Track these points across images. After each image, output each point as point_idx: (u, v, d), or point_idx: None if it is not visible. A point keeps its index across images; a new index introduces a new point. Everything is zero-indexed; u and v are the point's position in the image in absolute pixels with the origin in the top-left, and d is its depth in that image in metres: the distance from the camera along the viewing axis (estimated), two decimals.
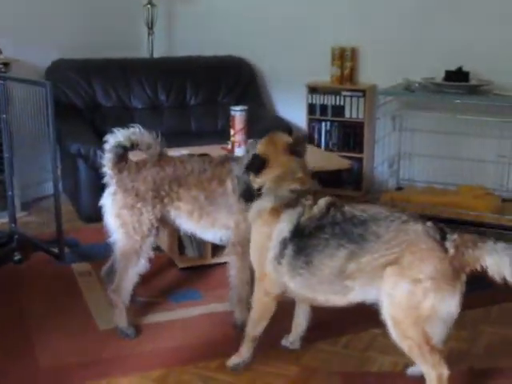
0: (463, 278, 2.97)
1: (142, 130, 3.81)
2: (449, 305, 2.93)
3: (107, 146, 3.80)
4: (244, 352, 3.49)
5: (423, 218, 3.10)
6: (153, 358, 3.63)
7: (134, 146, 3.81)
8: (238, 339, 3.70)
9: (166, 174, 3.86)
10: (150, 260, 3.92)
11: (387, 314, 3.02)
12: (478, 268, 2.94)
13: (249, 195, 3.41)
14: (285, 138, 3.46)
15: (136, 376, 3.46)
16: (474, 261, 2.94)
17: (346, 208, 3.16)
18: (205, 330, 3.90)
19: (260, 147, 3.39)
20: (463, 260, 2.94)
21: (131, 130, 3.78)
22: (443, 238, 2.98)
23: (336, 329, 3.87)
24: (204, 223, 3.93)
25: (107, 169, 3.85)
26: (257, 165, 3.31)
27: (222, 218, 3.88)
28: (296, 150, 3.40)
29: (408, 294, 2.94)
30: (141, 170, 3.85)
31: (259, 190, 3.32)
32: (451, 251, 2.94)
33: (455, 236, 2.99)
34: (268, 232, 3.24)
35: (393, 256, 2.97)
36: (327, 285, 3.14)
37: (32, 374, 3.47)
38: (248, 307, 3.84)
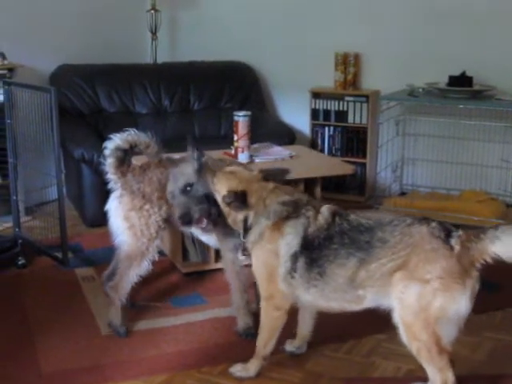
0: (473, 274, 2.95)
1: (138, 132, 3.86)
2: (459, 303, 2.92)
3: (107, 152, 3.84)
4: (252, 369, 3.45)
5: (428, 219, 3.08)
6: (156, 362, 3.63)
7: (132, 147, 3.85)
8: (241, 345, 3.72)
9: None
10: (154, 264, 3.97)
11: (398, 317, 3.01)
12: (488, 259, 2.93)
13: (188, 219, 3.42)
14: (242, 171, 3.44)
15: (139, 381, 3.45)
16: (480, 254, 2.93)
17: (352, 216, 3.15)
18: (208, 335, 3.90)
19: (228, 183, 3.28)
20: (470, 255, 2.93)
21: (127, 132, 3.83)
22: (448, 236, 2.96)
23: (339, 334, 3.86)
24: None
25: (110, 174, 3.89)
26: (241, 202, 3.21)
27: (219, 223, 3.89)
28: (267, 179, 3.35)
29: (418, 296, 2.94)
30: (145, 172, 3.93)
31: (245, 221, 3.27)
32: (457, 248, 2.93)
33: (460, 232, 2.98)
34: (274, 248, 3.21)
35: (400, 260, 2.97)
36: (341, 293, 3.13)
37: (34, 378, 3.47)
38: (247, 312, 3.87)
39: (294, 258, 3.17)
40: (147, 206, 3.89)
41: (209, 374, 3.51)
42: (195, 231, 4.05)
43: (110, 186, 3.95)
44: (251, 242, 3.29)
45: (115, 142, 3.82)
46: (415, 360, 3.29)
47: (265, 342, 3.40)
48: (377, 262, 3.01)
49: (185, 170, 3.47)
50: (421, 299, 2.93)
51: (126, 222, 3.91)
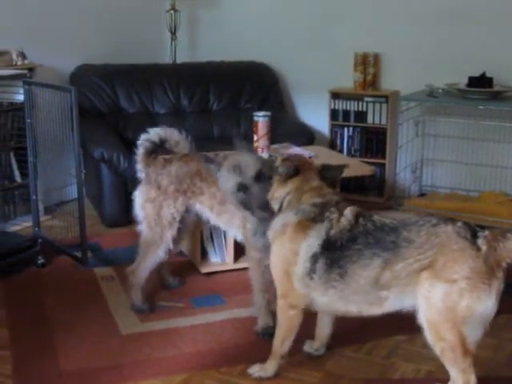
0: (499, 274, 2.93)
1: (172, 129, 4.12)
2: (485, 304, 2.90)
3: (139, 142, 4.10)
4: (270, 368, 3.44)
5: (454, 219, 3.06)
6: (175, 362, 3.63)
7: (162, 142, 4.09)
8: (261, 345, 3.72)
9: (190, 169, 4.07)
10: (171, 258, 4.21)
11: (424, 317, 2.99)
12: None
13: (267, 206, 3.38)
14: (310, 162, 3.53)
15: (158, 380, 3.46)
16: (507, 253, 2.91)
17: (376, 217, 3.13)
18: (227, 335, 3.90)
19: (287, 159, 3.37)
20: (497, 255, 2.91)
21: (160, 128, 4.11)
22: (474, 236, 2.94)
23: (359, 335, 3.85)
24: (224, 219, 4.08)
25: (138, 163, 4.15)
26: (291, 171, 3.26)
27: (236, 217, 3.97)
28: (325, 175, 3.38)
29: (444, 296, 2.92)
30: (166, 166, 4.11)
31: (281, 204, 3.29)
32: (484, 248, 2.91)
33: (486, 232, 2.96)
34: (295, 248, 3.20)
35: (427, 260, 2.95)
36: (362, 295, 3.11)
37: (54, 377, 3.48)
38: (267, 312, 3.86)
39: (314, 259, 3.15)
40: (161, 198, 4.08)
41: (228, 375, 3.51)
42: (224, 226, 4.10)
43: (138, 175, 4.18)
44: (273, 230, 3.30)
45: (147, 134, 4.08)
46: (435, 362, 3.29)
47: (281, 340, 3.39)
48: (403, 262, 2.99)
49: (247, 160, 3.49)
50: (447, 299, 2.91)
51: (143, 211, 4.14)
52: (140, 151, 4.11)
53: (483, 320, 2.95)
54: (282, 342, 3.39)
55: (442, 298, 2.92)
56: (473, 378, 2.98)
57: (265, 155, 4.76)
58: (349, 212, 3.18)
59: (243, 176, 3.47)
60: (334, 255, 3.11)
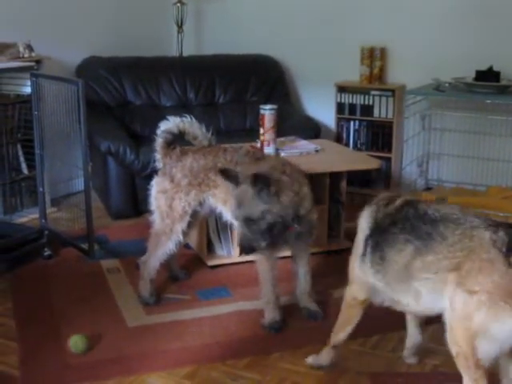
0: None
1: (194, 121, 4.15)
2: (503, 323, 2.72)
3: (158, 132, 4.13)
4: (323, 357, 3.45)
5: (501, 225, 2.88)
6: (181, 355, 3.63)
7: (181, 134, 4.12)
8: (266, 338, 3.74)
9: (206, 161, 4.06)
10: (183, 256, 4.19)
11: (447, 317, 2.89)
12: None
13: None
14: None
15: (164, 373, 3.47)
16: None
17: (421, 205, 3.08)
18: (233, 328, 3.90)
19: None
20: None
21: (182, 119, 4.12)
22: (510, 251, 2.75)
23: (365, 329, 3.80)
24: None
25: (157, 153, 4.17)
26: None
27: None
28: None
29: (463, 303, 2.80)
30: (181, 158, 4.11)
31: None
32: None
33: None
34: (358, 233, 3.25)
35: (455, 260, 2.84)
36: (400, 284, 3.04)
37: (60, 369, 3.50)
38: (275, 307, 3.87)
39: (366, 241, 3.17)
40: (173, 190, 4.08)
41: (233, 367, 3.52)
42: (233, 221, 4.08)
43: (156, 164, 4.23)
44: None
45: (167, 124, 4.12)
46: (440, 356, 3.29)
47: (337, 329, 3.39)
48: (434, 256, 2.91)
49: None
50: (465, 307, 2.79)
51: (156, 201, 4.17)
52: (159, 141, 4.14)
53: (500, 340, 2.78)
54: (337, 331, 3.38)
55: (461, 305, 2.81)
56: None
57: (271, 149, 4.76)
58: (399, 201, 3.16)
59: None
60: (378, 238, 3.11)
